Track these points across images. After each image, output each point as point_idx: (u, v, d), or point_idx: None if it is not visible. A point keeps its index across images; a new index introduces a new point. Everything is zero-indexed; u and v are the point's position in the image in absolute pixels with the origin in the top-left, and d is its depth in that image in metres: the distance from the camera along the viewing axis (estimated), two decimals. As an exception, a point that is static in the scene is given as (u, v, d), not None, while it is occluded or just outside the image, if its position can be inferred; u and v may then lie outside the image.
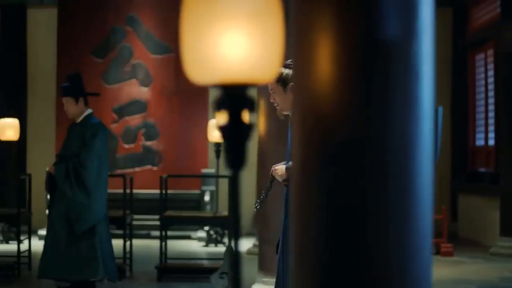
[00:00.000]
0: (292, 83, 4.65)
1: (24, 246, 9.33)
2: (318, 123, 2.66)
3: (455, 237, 11.96)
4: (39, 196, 11.83)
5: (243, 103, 2.36)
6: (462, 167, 12.72)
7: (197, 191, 11.93)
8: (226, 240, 11.23)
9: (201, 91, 12.24)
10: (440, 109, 10.79)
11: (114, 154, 12.01)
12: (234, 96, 2.35)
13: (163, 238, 8.45)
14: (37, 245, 10.39)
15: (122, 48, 12.27)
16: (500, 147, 10.95)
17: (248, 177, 12.11)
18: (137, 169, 12.04)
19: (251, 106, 2.37)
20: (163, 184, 8.53)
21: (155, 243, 11.27)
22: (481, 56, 12.25)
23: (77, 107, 7.17)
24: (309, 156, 2.70)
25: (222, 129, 2.39)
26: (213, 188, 11.97)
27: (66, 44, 12.27)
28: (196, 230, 11.77)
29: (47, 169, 11.80)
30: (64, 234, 6.98)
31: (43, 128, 12.83)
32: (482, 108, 12.09)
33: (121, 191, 8.52)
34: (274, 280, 4.69)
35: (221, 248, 11.01)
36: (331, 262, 2.64)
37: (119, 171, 11.61)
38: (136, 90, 12.13)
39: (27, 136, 12.42)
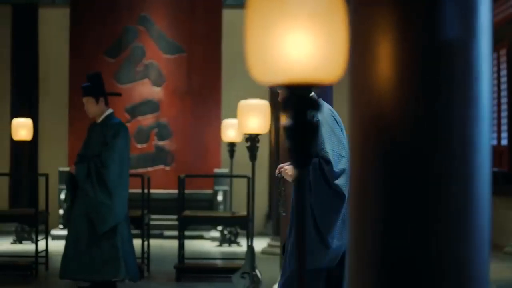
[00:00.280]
0: None
1: (40, 246, 9.28)
2: (377, 124, 2.65)
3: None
4: (52, 196, 11.81)
5: (308, 103, 2.36)
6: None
7: (210, 191, 11.93)
8: (240, 240, 11.22)
9: (214, 90, 12.23)
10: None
11: (127, 154, 12.02)
12: (299, 96, 2.35)
13: (181, 238, 8.43)
14: (51, 245, 10.38)
15: (134, 48, 12.27)
16: (514, 146, 10.96)
17: (260, 177, 12.12)
18: (149, 169, 12.03)
19: (316, 106, 2.37)
20: (181, 184, 8.53)
21: (168, 243, 11.30)
22: (494, 55, 12.26)
23: (98, 107, 7.16)
24: (366, 156, 2.70)
25: (287, 129, 2.39)
26: (226, 188, 11.97)
27: (78, 44, 12.26)
28: (209, 230, 11.76)
29: (59, 169, 11.89)
30: (85, 234, 6.98)
31: (55, 128, 12.82)
32: (495, 108, 12.10)
33: (137, 190, 8.52)
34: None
35: (235, 248, 11.01)
36: (389, 261, 2.63)
37: (132, 171, 11.60)
38: (148, 90, 12.13)
39: (39, 136, 12.41)
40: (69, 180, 7.22)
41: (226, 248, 11.03)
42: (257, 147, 7.07)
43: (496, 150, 12.18)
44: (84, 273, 7.01)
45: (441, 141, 2.60)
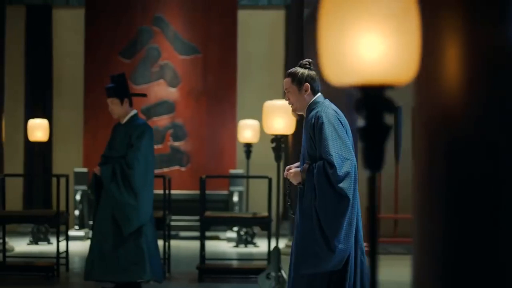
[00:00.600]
0: (307, 83, 4.69)
1: (54, 246, 9.23)
2: (445, 124, 2.65)
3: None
4: (61, 197, 11.80)
5: (382, 104, 2.36)
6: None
7: (225, 192, 11.93)
8: (256, 240, 11.22)
9: (229, 91, 12.23)
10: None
11: (142, 155, 12.01)
12: (373, 98, 2.35)
13: (202, 239, 8.43)
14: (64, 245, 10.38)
15: (149, 49, 12.26)
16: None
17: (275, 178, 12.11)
18: (165, 169, 12.02)
19: (390, 107, 2.37)
20: (202, 185, 8.53)
21: (184, 243, 11.31)
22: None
23: (122, 108, 7.15)
24: (432, 155, 2.69)
25: (361, 130, 2.39)
26: (241, 188, 11.96)
27: (93, 45, 12.26)
28: (224, 230, 11.75)
29: (74, 169, 11.88)
30: (110, 236, 6.97)
31: (69, 129, 12.83)
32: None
33: (158, 191, 8.50)
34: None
35: (252, 249, 11.01)
36: (455, 261, 2.63)
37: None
38: (164, 90, 12.12)
39: (53, 137, 12.40)
40: (94, 181, 7.21)
41: (242, 249, 11.02)
42: (283, 148, 7.07)
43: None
44: (109, 275, 7.00)
45: (508, 141, 2.60)
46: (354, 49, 2.30)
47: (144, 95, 8.07)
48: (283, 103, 6.91)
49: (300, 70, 4.70)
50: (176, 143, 12.08)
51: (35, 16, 12.83)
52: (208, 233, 11.70)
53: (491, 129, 2.57)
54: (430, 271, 2.72)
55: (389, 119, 2.41)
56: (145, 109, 12.16)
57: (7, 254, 9.05)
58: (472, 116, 2.59)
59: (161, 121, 12.04)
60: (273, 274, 7.21)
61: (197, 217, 11.78)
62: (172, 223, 11.39)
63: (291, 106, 4.74)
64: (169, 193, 8.70)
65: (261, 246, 11.06)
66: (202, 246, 8.42)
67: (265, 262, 8.63)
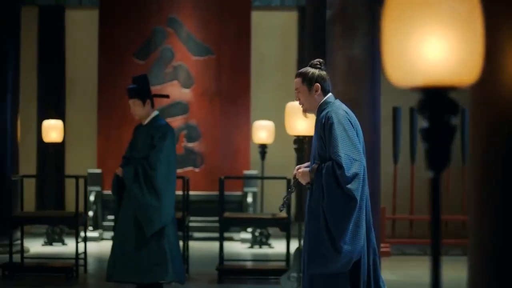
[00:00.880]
0: (317, 83, 4.69)
1: (68, 247, 9.20)
2: (502, 125, 2.65)
3: None
4: (80, 198, 11.79)
5: (445, 106, 2.36)
6: None
7: (239, 193, 11.92)
8: (271, 241, 11.22)
9: (243, 92, 12.23)
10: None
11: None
12: (436, 99, 2.35)
13: (221, 240, 8.43)
14: (79, 246, 10.39)
15: (163, 50, 12.27)
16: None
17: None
18: (179, 170, 11.99)
19: (453, 108, 2.37)
20: (221, 185, 8.53)
21: (198, 244, 11.30)
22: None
23: (144, 109, 7.16)
24: (490, 156, 2.69)
25: (423, 131, 2.39)
26: (255, 189, 11.97)
27: (107, 45, 12.26)
28: (238, 231, 11.75)
29: (88, 170, 11.88)
30: (132, 237, 6.97)
31: (81, 130, 12.83)
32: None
33: (178, 192, 8.50)
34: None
35: (266, 250, 11.01)
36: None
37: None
38: (177, 91, 12.12)
39: (66, 138, 12.40)
40: (116, 183, 7.21)
41: (257, 250, 11.02)
42: (305, 149, 7.07)
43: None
44: (131, 276, 7.00)
45: None
46: (419, 50, 2.30)
47: (166, 96, 8.05)
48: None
49: (310, 70, 4.71)
50: (190, 144, 12.09)
51: (48, 17, 12.83)
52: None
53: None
54: (486, 272, 2.71)
55: (454, 120, 2.41)
56: (159, 110, 12.04)
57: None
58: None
59: (175, 122, 12.04)
60: (294, 275, 7.21)
61: (210, 218, 11.81)
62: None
63: (301, 106, 4.75)
64: (188, 194, 8.70)
65: (276, 247, 11.06)
66: (221, 247, 8.41)
67: (283, 263, 8.63)
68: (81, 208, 9.53)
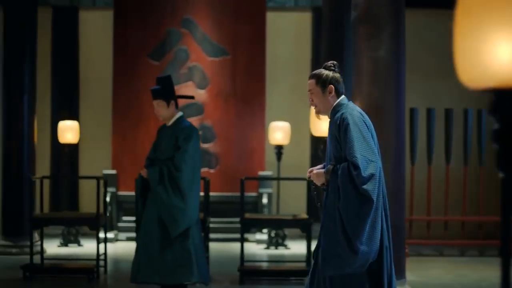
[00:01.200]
0: (331, 85, 4.70)
1: (84, 248, 9.17)
2: None
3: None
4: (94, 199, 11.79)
5: (517, 107, 2.35)
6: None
7: (254, 194, 11.92)
8: (287, 242, 11.21)
9: (258, 93, 12.23)
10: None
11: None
12: (509, 101, 2.35)
13: (242, 241, 8.43)
14: (101, 248, 10.38)
15: (178, 51, 12.26)
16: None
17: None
18: (194, 171, 12.01)
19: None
20: (241, 186, 8.53)
21: (213, 245, 11.27)
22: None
23: (168, 110, 7.15)
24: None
25: (495, 132, 2.38)
26: (270, 190, 11.96)
27: (122, 46, 12.26)
28: (254, 232, 11.74)
29: (103, 171, 11.87)
30: (157, 238, 6.96)
31: (95, 131, 12.83)
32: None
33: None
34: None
35: (283, 251, 11.00)
36: None
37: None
38: (192, 92, 12.06)
39: (80, 138, 12.40)
40: (140, 184, 7.21)
41: (273, 251, 11.01)
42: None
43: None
44: (156, 277, 6.99)
45: None
46: (492, 52, 2.29)
47: (191, 97, 8.05)
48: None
49: (324, 72, 4.73)
50: (205, 145, 12.08)
51: (62, 17, 12.83)
52: (236, 235, 11.71)
53: None
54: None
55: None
56: (174, 111, 12.14)
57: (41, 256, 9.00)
58: None
59: (190, 123, 12.03)
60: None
61: (225, 219, 11.82)
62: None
63: (314, 108, 4.76)
64: (208, 195, 8.70)
65: (292, 248, 11.06)
66: (242, 248, 8.41)
67: (303, 264, 8.63)
68: (104, 209, 9.55)
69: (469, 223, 11.23)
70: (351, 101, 4.77)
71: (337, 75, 4.71)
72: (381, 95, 7.15)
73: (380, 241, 4.49)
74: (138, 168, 11.89)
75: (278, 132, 11.28)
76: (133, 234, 11.63)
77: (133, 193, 11.79)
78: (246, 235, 11.77)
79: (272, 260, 10.04)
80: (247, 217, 8.49)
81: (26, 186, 10.27)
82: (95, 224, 8.51)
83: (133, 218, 11.68)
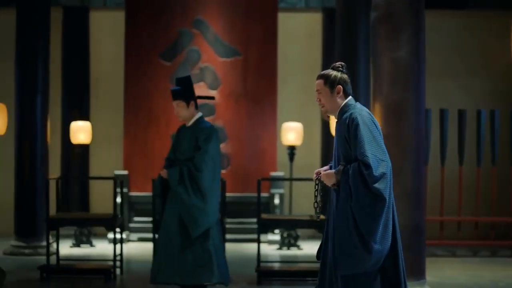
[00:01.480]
0: (339, 85, 4.72)
1: (96, 249, 9.15)
2: None
3: None
4: (108, 200, 11.82)
5: None
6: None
7: (266, 194, 11.92)
8: (299, 243, 11.21)
9: (269, 94, 12.24)
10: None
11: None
12: None
13: (259, 241, 8.44)
14: (109, 248, 10.39)
15: (190, 51, 12.27)
16: None
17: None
18: (205, 172, 12.01)
19: None
20: (259, 187, 8.55)
21: (227, 246, 11.26)
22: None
23: (188, 110, 7.16)
24: None
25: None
26: (282, 191, 11.96)
27: (133, 47, 12.26)
28: (266, 233, 11.72)
29: (115, 172, 11.87)
30: (177, 238, 6.97)
31: (106, 131, 12.82)
32: None
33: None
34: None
35: (295, 251, 11.00)
36: None
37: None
38: (204, 93, 12.09)
39: (91, 139, 12.40)
40: (160, 185, 7.21)
41: (286, 252, 11.01)
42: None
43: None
44: (177, 278, 6.99)
45: None
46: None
47: (212, 98, 8.05)
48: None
49: (333, 73, 4.77)
50: (217, 146, 12.07)
51: (73, 17, 12.82)
52: (248, 236, 11.72)
53: None
54: None
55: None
56: (185, 112, 12.14)
57: (54, 256, 8.99)
58: None
59: (201, 124, 12.03)
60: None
61: (237, 219, 11.82)
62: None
63: (322, 108, 4.79)
64: (224, 196, 8.70)
65: (305, 248, 11.07)
66: (259, 249, 8.42)
67: (318, 265, 8.62)
68: (111, 210, 9.56)
69: (481, 223, 11.23)
70: (358, 102, 4.81)
71: (345, 76, 4.75)
72: (401, 96, 7.16)
73: (393, 238, 4.52)
74: (149, 169, 11.96)
75: (291, 132, 11.29)
76: (145, 235, 11.68)
77: (144, 193, 11.93)
78: (256, 236, 11.78)
79: (286, 260, 10.03)
80: (263, 217, 8.49)
81: (39, 187, 10.28)
82: (112, 224, 8.51)
83: (145, 219, 11.75)
